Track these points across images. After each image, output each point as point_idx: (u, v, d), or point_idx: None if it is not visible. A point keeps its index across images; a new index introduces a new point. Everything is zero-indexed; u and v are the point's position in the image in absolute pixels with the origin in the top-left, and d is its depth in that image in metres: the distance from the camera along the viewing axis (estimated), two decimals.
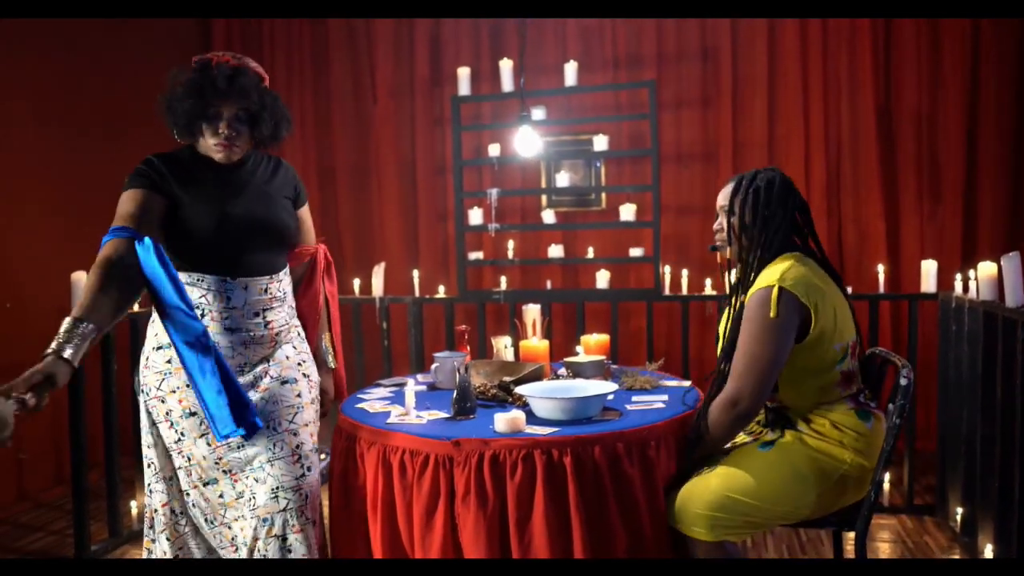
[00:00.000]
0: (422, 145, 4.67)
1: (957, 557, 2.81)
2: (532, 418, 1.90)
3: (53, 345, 1.50)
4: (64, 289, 2.88)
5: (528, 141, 2.94)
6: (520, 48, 3.65)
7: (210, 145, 1.85)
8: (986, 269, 2.73)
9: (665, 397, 2.13)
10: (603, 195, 4.39)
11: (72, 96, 3.96)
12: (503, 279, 3.89)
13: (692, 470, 1.88)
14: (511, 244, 3.95)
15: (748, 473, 1.82)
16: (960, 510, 2.93)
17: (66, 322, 1.54)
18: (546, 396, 1.89)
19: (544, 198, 4.44)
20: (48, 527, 3.34)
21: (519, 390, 2.02)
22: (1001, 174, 3.95)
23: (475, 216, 3.83)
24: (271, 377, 1.90)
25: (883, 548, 2.90)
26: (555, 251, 3.84)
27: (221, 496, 1.89)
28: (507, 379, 2.20)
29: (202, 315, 1.84)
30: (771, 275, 1.81)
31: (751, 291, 1.83)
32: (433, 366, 2.37)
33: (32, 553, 3.08)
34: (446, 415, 1.99)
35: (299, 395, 1.93)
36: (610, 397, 2.03)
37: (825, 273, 1.89)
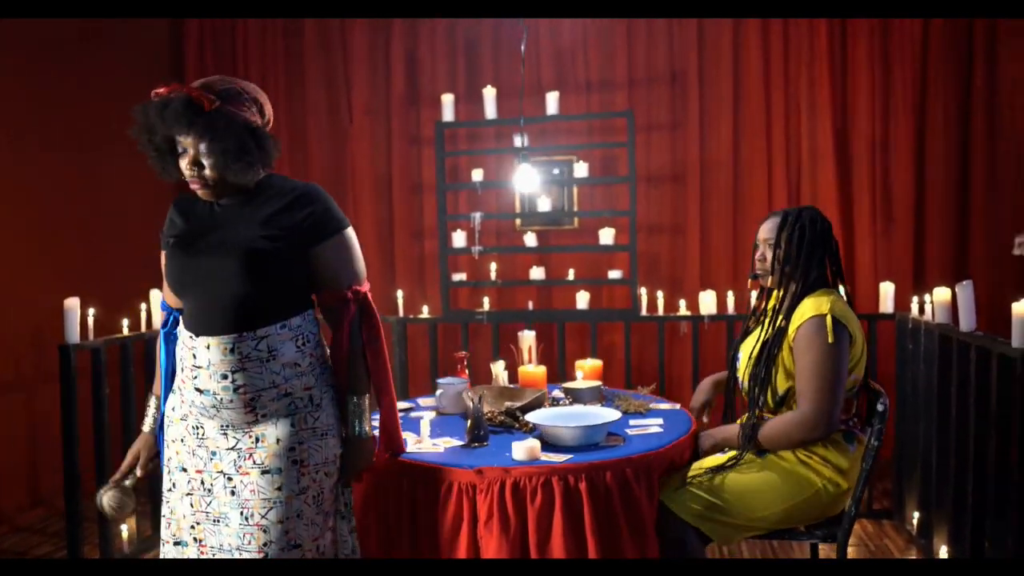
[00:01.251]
0: (398, 163, 4.74)
1: (914, 557, 3.05)
2: (543, 444, 2.03)
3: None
4: (36, 308, 2.84)
5: (528, 178, 3.10)
6: (520, 91, 3.77)
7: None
8: (940, 294, 2.97)
9: (660, 421, 2.29)
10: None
11: (42, 111, 3.90)
12: (485, 299, 4.01)
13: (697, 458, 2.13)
14: (493, 265, 4.07)
15: (736, 473, 2.03)
16: (917, 514, 3.17)
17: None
18: (561, 425, 2.03)
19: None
20: (31, 552, 3.32)
21: (531, 418, 2.15)
22: (947, 197, 4.22)
23: (456, 238, 3.94)
24: (254, 462, 1.74)
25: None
26: (536, 272, 3.98)
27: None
28: (510, 404, 2.33)
29: (182, 370, 1.78)
30: (818, 305, 2.01)
31: (799, 320, 2.02)
32: (438, 392, 2.49)
33: None
34: (460, 442, 2.11)
35: (279, 488, 1.72)
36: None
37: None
